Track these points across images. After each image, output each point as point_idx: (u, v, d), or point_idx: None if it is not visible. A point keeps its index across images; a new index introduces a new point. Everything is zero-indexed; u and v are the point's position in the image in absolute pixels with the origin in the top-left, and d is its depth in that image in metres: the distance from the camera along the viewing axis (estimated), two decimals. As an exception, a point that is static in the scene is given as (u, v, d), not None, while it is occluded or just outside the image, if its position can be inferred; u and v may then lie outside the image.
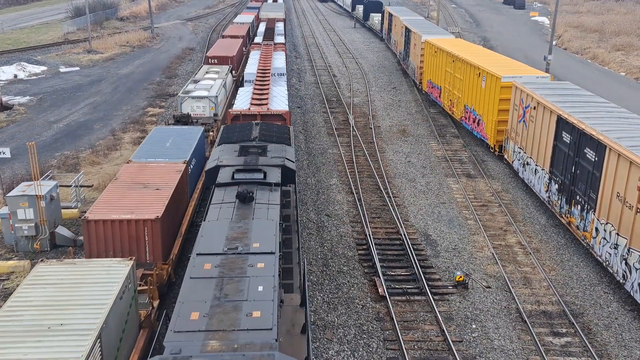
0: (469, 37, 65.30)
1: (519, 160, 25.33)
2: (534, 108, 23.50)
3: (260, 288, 10.20)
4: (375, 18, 69.28)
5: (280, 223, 13.26)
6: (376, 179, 25.39)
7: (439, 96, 35.83)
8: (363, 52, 57.56)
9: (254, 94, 26.74)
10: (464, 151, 29.28)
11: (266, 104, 24.65)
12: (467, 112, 31.23)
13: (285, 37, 47.98)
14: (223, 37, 47.61)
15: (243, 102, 25.68)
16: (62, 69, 48.41)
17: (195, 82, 30.63)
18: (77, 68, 49.19)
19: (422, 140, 31.05)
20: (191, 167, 20.33)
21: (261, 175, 15.28)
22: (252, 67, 32.12)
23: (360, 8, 78.79)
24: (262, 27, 51.24)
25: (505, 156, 27.02)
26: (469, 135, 31.38)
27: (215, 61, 36.67)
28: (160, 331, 12.11)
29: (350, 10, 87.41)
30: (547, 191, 22.37)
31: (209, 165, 16.94)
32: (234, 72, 36.41)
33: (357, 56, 54.75)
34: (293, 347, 10.79)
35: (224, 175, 15.65)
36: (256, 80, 29.39)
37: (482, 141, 29.72)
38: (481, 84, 29.07)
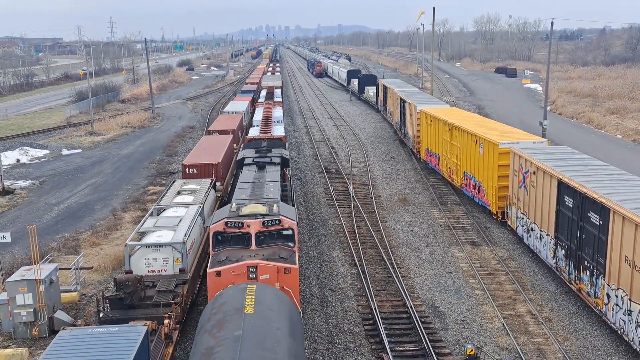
0: (463, 105, 66.52)
1: (522, 226, 25.09)
2: (534, 173, 23.51)
3: (272, 189, 21.30)
4: (371, 91, 70.90)
5: (280, 175, 24.43)
6: (379, 250, 25.08)
7: (438, 164, 36.02)
8: (360, 123, 58.45)
9: (261, 128, 38.51)
10: (467, 218, 29.08)
11: (270, 132, 36.47)
12: (467, 179, 31.27)
13: (282, 98, 61.29)
14: (209, 133, 38.05)
15: (254, 132, 37.26)
16: (64, 152, 49.02)
17: (160, 211, 22.01)
18: (79, 150, 49.82)
19: (424, 208, 30.93)
20: None
21: (269, 159, 26.25)
22: (258, 116, 44.15)
23: (355, 82, 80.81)
24: (264, 93, 64.54)
25: (509, 222, 26.78)
26: (470, 202, 31.27)
27: (195, 171, 27.88)
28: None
29: (345, 84, 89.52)
30: (554, 257, 22.01)
31: (238, 157, 28.04)
32: (218, 184, 27.55)
33: (354, 128, 55.56)
34: None
35: (248, 161, 26.39)
36: (262, 122, 40.92)
37: (484, 208, 29.57)
38: (479, 151, 29.25)
